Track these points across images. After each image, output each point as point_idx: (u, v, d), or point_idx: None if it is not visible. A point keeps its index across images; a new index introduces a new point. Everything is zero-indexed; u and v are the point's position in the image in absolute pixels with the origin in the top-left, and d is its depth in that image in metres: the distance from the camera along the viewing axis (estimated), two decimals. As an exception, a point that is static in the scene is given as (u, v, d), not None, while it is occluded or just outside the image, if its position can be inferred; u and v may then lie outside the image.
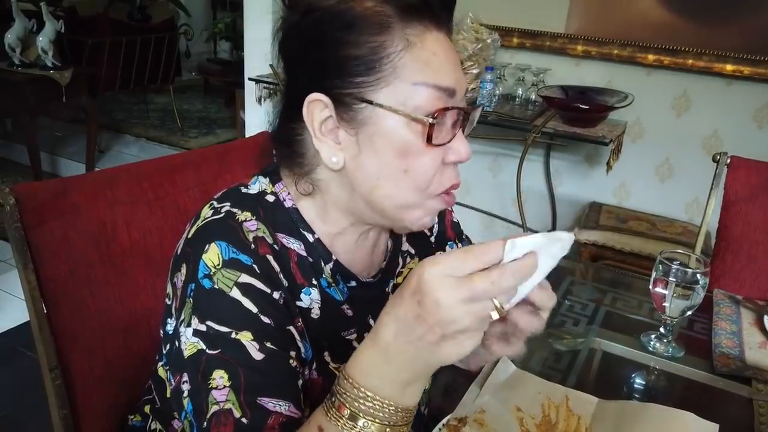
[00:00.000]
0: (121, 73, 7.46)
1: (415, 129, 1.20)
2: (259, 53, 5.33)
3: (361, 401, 1.06)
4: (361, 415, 1.05)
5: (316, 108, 1.23)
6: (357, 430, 1.05)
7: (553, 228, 5.13)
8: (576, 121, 4.22)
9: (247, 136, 4.62)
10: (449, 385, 1.74)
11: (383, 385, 1.06)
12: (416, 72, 1.20)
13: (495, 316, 0.99)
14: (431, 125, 1.19)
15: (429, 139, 1.20)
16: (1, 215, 1.52)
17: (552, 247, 1.07)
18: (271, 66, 5.06)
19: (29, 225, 1.56)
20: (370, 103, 1.20)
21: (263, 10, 5.25)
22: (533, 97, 4.65)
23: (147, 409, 1.56)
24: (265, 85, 5.21)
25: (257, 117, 5.60)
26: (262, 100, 5.31)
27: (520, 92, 4.71)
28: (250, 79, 5.32)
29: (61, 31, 6.24)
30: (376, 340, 1.07)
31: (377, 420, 1.05)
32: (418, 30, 1.21)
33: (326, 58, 1.21)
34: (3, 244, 5.06)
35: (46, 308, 1.60)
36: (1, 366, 3.96)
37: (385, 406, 1.05)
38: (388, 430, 1.06)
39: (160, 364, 1.43)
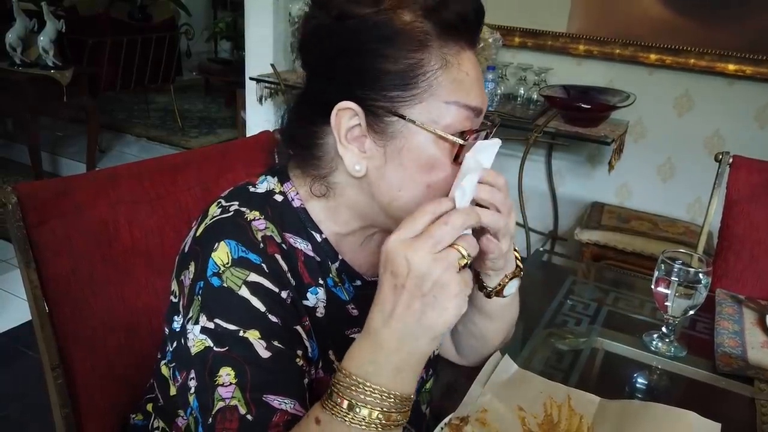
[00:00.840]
0: (122, 73, 7.46)
1: (442, 146, 1.22)
2: (260, 53, 5.33)
3: (353, 389, 1.07)
4: (357, 403, 1.06)
5: (345, 115, 1.23)
6: (351, 416, 1.06)
7: (555, 230, 5.14)
8: (578, 121, 4.22)
9: (248, 135, 4.62)
10: (451, 384, 1.74)
11: (376, 372, 1.07)
12: (450, 91, 1.22)
13: (462, 262, 1.06)
14: (461, 146, 1.22)
15: (456, 158, 1.23)
16: (2, 215, 1.52)
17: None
18: (272, 65, 5.07)
19: (31, 224, 1.56)
20: (403, 117, 1.21)
21: (264, 9, 5.25)
22: (535, 96, 4.66)
23: (149, 407, 1.56)
24: (266, 84, 5.21)
25: (258, 116, 5.60)
26: (263, 99, 5.32)
27: (522, 92, 4.72)
28: (251, 78, 5.33)
29: (62, 31, 6.24)
30: (367, 330, 1.11)
31: (368, 405, 1.06)
32: (455, 50, 1.23)
33: (361, 68, 1.21)
34: (4, 244, 5.06)
35: (48, 307, 1.59)
36: (3, 366, 3.96)
37: (376, 392, 1.07)
38: (381, 416, 1.07)
39: (163, 362, 1.43)
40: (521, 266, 1.46)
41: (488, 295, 1.46)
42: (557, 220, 5.16)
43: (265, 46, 5.31)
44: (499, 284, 1.44)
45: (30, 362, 3.88)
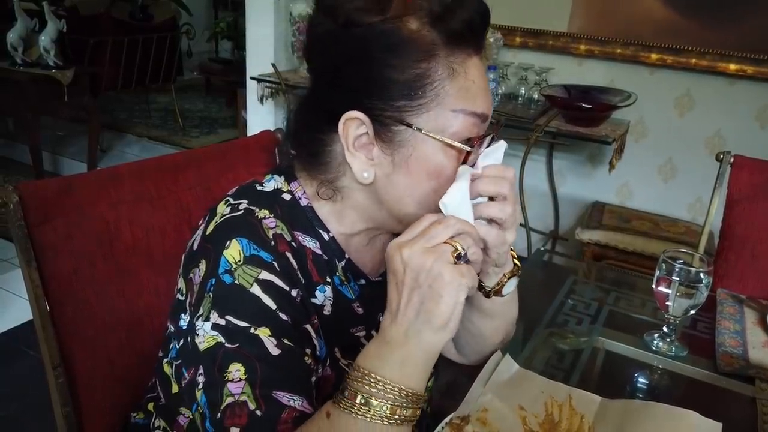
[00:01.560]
0: (123, 73, 7.45)
1: (450, 153, 1.24)
2: (261, 52, 5.34)
3: (360, 381, 1.10)
4: (364, 395, 1.08)
5: (353, 125, 1.25)
6: (357, 407, 1.08)
7: (556, 229, 5.14)
8: (579, 121, 4.22)
9: (248, 135, 4.63)
10: (451, 383, 1.74)
11: (382, 365, 1.10)
12: (457, 100, 1.23)
13: (455, 254, 1.10)
14: (468, 152, 1.24)
15: (464, 163, 1.25)
16: (4, 214, 1.52)
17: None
18: (273, 65, 5.06)
19: (33, 223, 1.56)
20: (410, 126, 1.22)
21: (265, 9, 5.25)
22: (536, 96, 4.66)
23: (150, 406, 1.56)
24: (267, 84, 5.22)
25: (259, 116, 5.60)
26: (264, 99, 5.32)
27: (523, 91, 4.72)
28: (252, 78, 5.33)
29: (63, 31, 6.24)
30: (380, 330, 1.13)
31: (373, 397, 1.08)
32: (461, 58, 1.24)
33: (368, 77, 1.23)
34: (6, 243, 5.06)
35: (49, 306, 1.60)
36: (4, 365, 3.95)
37: (380, 383, 1.09)
38: (386, 409, 1.08)
39: (165, 360, 1.45)
40: (519, 265, 1.48)
41: (487, 295, 1.47)
42: (558, 220, 5.15)
43: (266, 45, 5.31)
44: (498, 283, 1.45)
45: (31, 362, 3.88)
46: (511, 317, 1.63)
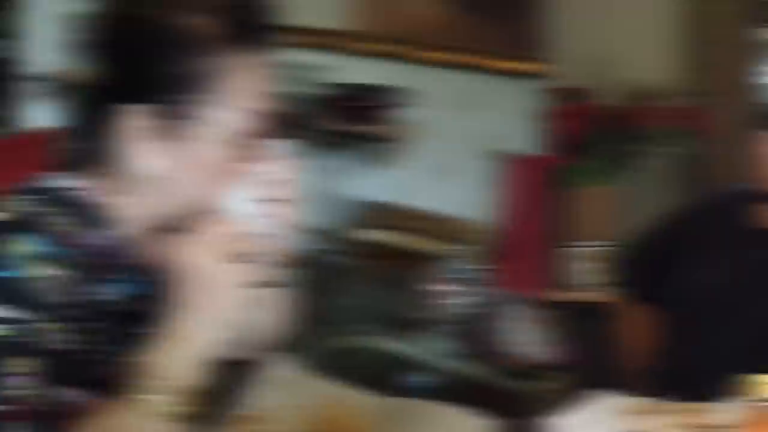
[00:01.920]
0: None
1: (230, 150, 1.25)
2: (35, 51, 5.20)
3: (139, 376, 1.12)
4: (146, 392, 1.11)
5: (135, 118, 1.22)
6: (143, 405, 1.10)
7: (333, 230, 5.17)
8: (354, 120, 4.26)
9: (22, 133, 4.49)
10: (232, 383, 1.74)
11: (162, 360, 1.14)
12: (237, 97, 1.24)
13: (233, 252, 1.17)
14: (249, 149, 1.25)
15: (242, 160, 1.26)
16: None
17: None
18: (46, 63, 4.95)
19: None
20: (193, 120, 1.21)
21: (36, 7, 5.13)
22: (311, 95, 4.66)
23: None
24: (42, 82, 5.09)
25: (35, 115, 5.46)
26: (39, 97, 5.19)
27: (298, 91, 4.71)
28: (25, 76, 5.19)
29: None
30: (161, 326, 1.19)
31: (157, 394, 1.11)
32: (242, 55, 1.24)
33: (149, 71, 1.21)
34: None
35: None
36: None
37: (166, 380, 1.11)
38: (165, 405, 1.11)
39: None
40: (287, 258, 1.51)
41: (260, 286, 1.49)
42: (334, 220, 5.18)
43: (43, 43, 5.18)
44: (270, 277, 1.48)
45: None
46: (282, 312, 1.66)
